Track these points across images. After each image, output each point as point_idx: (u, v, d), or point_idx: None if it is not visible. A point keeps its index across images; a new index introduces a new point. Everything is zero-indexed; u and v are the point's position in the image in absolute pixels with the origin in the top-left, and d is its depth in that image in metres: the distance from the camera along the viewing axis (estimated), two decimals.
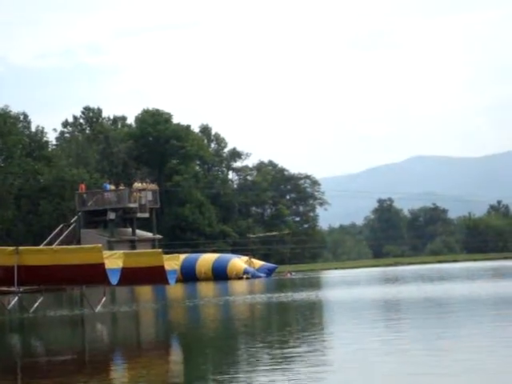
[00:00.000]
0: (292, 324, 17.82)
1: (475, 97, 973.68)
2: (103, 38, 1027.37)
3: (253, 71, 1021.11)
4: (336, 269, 80.00)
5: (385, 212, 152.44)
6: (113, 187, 64.92)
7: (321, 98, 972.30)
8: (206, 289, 42.23)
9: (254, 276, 55.43)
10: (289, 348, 12.81)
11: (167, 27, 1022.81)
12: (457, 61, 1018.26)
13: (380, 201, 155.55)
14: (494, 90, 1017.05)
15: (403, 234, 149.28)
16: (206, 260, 58.29)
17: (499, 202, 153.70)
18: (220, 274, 56.03)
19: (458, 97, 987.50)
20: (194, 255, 60.16)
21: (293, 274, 60.02)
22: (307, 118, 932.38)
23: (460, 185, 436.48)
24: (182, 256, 51.52)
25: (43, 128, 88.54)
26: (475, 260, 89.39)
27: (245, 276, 55.00)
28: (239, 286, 42.82)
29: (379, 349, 12.18)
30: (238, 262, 57.46)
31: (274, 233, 58.74)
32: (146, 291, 38.34)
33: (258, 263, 59.65)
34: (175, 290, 37.95)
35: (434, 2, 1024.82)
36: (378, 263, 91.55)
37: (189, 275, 55.03)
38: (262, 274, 56.56)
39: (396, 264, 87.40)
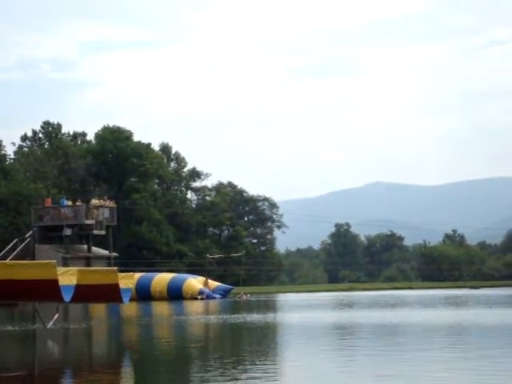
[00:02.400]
0: (244, 346, 17.85)
1: (438, 125, 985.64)
2: (67, 54, 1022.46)
3: (215, 92, 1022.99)
4: (292, 292, 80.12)
5: (341, 237, 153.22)
6: (70, 203, 64.49)
7: (282, 121, 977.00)
8: (161, 308, 42.04)
9: (208, 297, 55.27)
10: (240, 371, 12.84)
11: (131, 46, 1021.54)
12: (416, 91, 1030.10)
13: (337, 225, 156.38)
14: (452, 120, 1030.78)
15: (359, 259, 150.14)
16: (162, 279, 57.98)
17: (454, 231, 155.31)
18: (175, 294, 55.76)
19: (417, 125, 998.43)
20: (149, 274, 59.75)
21: (248, 295, 59.96)
22: (268, 141, 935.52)
23: (416, 212, 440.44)
24: (138, 275, 51.26)
25: (1, 141, 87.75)
26: (429, 288, 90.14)
27: (199, 297, 54.80)
28: (194, 307, 42.71)
29: (329, 373, 12.28)
30: (194, 282, 57.27)
31: (233, 254, 58.61)
32: (99, 309, 38.07)
33: (214, 284, 59.52)
34: (129, 308, 37.75)
35: (393, 32, 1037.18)
36: (334, 288, 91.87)
37: (144, 294, 54.71)
38: (217, 295, 56.42)
39: (351, 289, 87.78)
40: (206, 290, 56.17)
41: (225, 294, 58.55)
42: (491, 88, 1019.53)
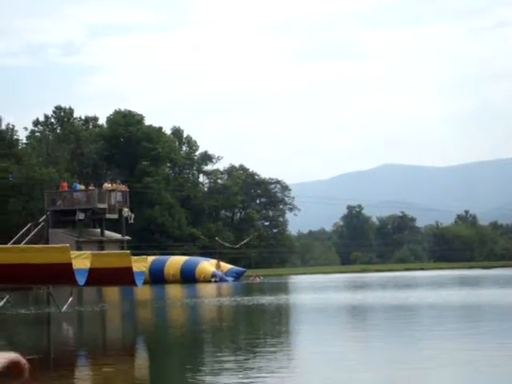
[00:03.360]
0: (260, 328, 17.95)
1: (446, 107, 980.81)
2: (78, 39, 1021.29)
3: (227, 75, 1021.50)
4: (304, 274, 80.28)
5: (353, 219, 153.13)
6: (82, 187, 64.66)
7: (294, 104, 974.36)
8: (174, 291, 42.25)
9: (221, 279, 55.46)
10: (255, 352, 12.93)
11: (142, 29, 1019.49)
12: (425, 72, 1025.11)
13: (349, 207, 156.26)
14: (462, 101, 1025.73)
15: (371, 241, 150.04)
16: (175, 262, 58.24)
17: (466, 212, 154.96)
18: (188, 277, 55.99)
19: (428, 107, 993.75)
20: (162, 257, 60.03)
21: (261, 278, 60.15)
22: (280, 124, 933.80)
23: (428, 194, 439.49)
24: (151, 258, 51.48)
25: (14, 126, 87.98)
26: (441, 269, 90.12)
27: (213, 279, 55.00)
28: (207, 290, 42.89)
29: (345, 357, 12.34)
30: (207, 265, 57.47)
31: (244, 241, 58.47)
32: (113, 292, 38.30)
33: (226, 267, 59.71)
34: (142, 291, 37.97)
35: (402, 14, 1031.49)
36: (346, 269, 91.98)
37: (157, 277, 54.97)
38: (229, 278, 56.59)
39: (363, 271, 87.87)
40: (219, 273, 56.35)
41: (238, 276, 58.73)
42: (499, 69, 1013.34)
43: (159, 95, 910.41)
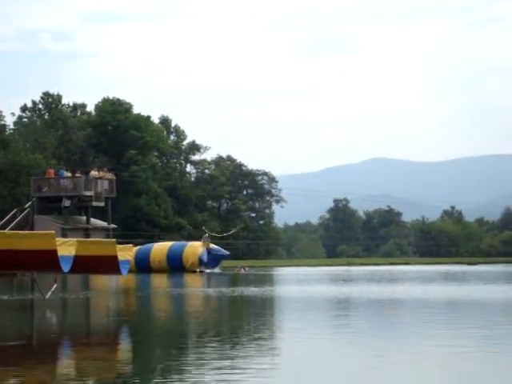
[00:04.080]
0: (243, 320, 17.95)
1: (436, 102, 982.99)
2: (69, 25, 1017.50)
3: (216, 66, 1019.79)
4: (290, 266, 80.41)
5: (340, 212, 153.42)
6: (69, 174, 64.46)
7: (282, 96, 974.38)
8: (159, 280, 42.21)
9: (207, 266, 55.09)
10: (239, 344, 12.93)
11: (132, 17, 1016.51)
12: (415, 67, 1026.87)
13: (336, 201, 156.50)
14: (451, 97, 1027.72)
15: (357, 234, 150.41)
16: (160, 249, 57.74)
17: (453, 208, 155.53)
18: (175, 264, 55.57)
19: (419, 102, 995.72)
20: (147, 245, 59.72)
21: (247, 269, 60.14)
22: (268, 116, 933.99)
23: (415, 189, 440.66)
24: (135, 248, 51.29)
25: (1, 112, 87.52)
26: (427, 264, 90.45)
27: (198, 269, 54.80)
28: (192, 279, 42.88)
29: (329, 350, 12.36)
30: (193, 249, 56.42)
31: (231, 232, 58.17)
32: (98, 280, 38.23)
33: (213, 246, 58.80)
34: (128, 280, 37.92)
35: (393, 10, 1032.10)
36: (332, 263, 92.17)
37: (143, 266, 54.81)
38: (216, 270, 56.22)
39: (349, 264, 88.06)
40: (205, 257, 55.58)
41: (217, 258, 57.77)
42: (490, 65, 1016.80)
43: (148, 84, 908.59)
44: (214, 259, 57.27)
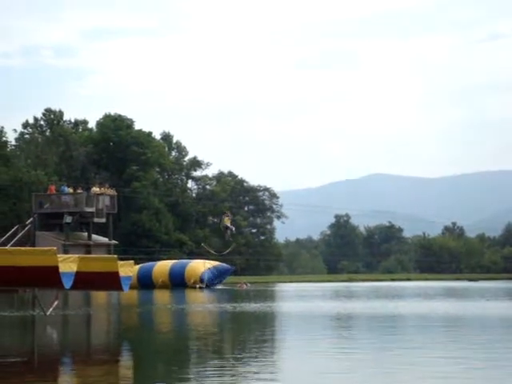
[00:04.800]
0: (244, 337, 17.95)
1: (436, 118, 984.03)
2: (69, 41, 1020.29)
3: (217, 82, 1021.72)
4: (291, 282, 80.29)
5: (341, 228, 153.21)
6: (71, 190, 64.54)
7: (283, 112, 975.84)
8: (161, 296, 42.16)
9: (209, 281, 55.19)
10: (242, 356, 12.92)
11: (134, 33, 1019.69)
12: (416, 83, 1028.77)
13: (337, 216, 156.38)
14: (452, 113, 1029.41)
15: (358, 250, 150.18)
16: (163, 267, 57.83)
17: (454, 224, 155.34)
18: (177, 281, 55.68)
19: (419, 117, 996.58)
20: (150, 263, 59.87)
21: (248, 285, 60.06)
22: (269, 132, 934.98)
23: (416, 204, 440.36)
24: (137, 267, 51.39)
25: (3, 128, 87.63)
26: (428, 280, 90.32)
27: (198, 286, 54.74)
28: (194, 295, 42.83)
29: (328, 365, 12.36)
30: (197, 266, 56.64)
31: (227, 250, 58.64)
32: (100, 297, 38.21)
33: (215, 263, 58.91)
34: (130, 296, 37.89)
35: (394, 25, 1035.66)
36: (333, 278, 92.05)
37: (146, 282, 54.77)
38: (218, 286, 56.29)
39: (350, 280, 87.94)
40: (207, 275, 55.68)
41: (221, 274, 57.92)
42: (491, 81, 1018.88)
43: (150, 100, 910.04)
44: (219, 275, 57.41)
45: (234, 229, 57.26)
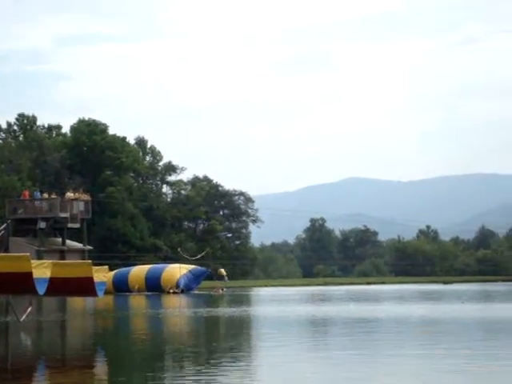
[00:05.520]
0: (220, 341, 17.88)
1: (408, 122, 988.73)
2: (44, 47, 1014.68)
3: (191, 86, 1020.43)
4: (267, 286, 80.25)
5: (316, 232, 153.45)
6: (45, 195, 64.12)
7: (257, 116, 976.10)
8: (137, 302, 41.96)
9: (185, 287, 55.23)
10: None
11: (107, 39, 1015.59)
12: (393, 87, 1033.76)
13: (312, 220, 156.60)
14: (428, 117, 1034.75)
15: (333, 254, 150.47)
16: (139, 272, 57.67)
17: (428, 227, 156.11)
18: (154, 286, 55.64)
19: (394, 121, 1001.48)
20: (126, 268, 59.74)
21: (224, 289, 60.01)
22: (244, 136, 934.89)
23: (391, 208, 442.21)
24: (113, 272, 51.24)
25: None
26: (403, 283, 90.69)
27: (172, 290, 54.64)
28: (170, 300, 42.67)
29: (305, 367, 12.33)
30: (173, 272, 56.66)
31: (201, 254, 58.87)
32: (75, 302, 37.95)
33: (190, 267, 59.04)
34: (105, 301, 37.67)
35: (374, 28, 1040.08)
36: (309, 282, 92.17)
37: (121, 288, 54.56)
38: (194, 287, 56.61)
39: (326, 284, 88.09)
40: (183, 280, 55.74)
41: (198, 277, 58.17)
42: (467, 85, 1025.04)
43: (124, 105, 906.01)
44: (195, 278, 57.50)
45: (227, 279, 62.14)
